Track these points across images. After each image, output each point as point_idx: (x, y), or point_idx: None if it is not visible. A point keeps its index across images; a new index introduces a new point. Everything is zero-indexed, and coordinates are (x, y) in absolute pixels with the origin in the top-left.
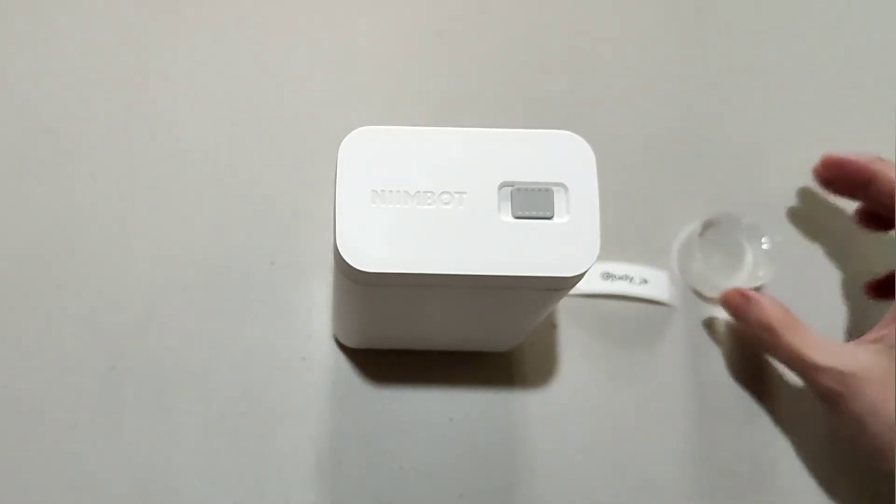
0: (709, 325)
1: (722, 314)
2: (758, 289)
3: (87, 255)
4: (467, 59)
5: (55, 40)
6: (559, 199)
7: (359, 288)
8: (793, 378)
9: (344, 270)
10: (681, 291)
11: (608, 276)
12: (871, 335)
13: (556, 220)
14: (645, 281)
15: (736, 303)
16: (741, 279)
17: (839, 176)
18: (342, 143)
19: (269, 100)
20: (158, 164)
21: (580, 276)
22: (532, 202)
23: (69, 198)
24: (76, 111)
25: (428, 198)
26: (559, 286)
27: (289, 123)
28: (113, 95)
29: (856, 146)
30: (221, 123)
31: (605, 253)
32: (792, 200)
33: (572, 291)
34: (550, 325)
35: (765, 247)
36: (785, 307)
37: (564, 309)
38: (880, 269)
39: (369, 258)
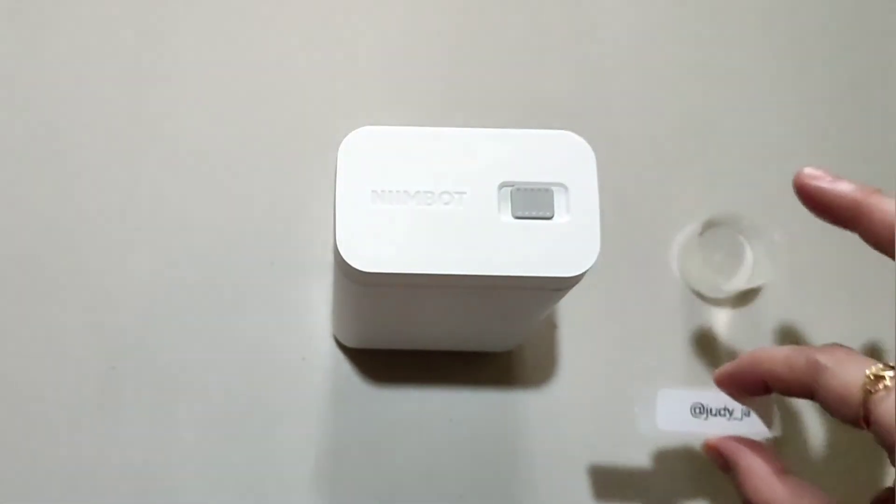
0: (710, 326)
1: (720, 317)
2: (758, 289)
3: (87, 255)
4: (467, 59)
5: (54, 40)
6: (559, 200)
7: (359, 288)
8: None
9: (344, 270)
10: (680, 289)
11: (701, 409)
12: None
13: (556, 220)
14: (748, 413)
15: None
16: (741, 279)
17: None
18: (342, 143)
19: (269, 99)
20: (158, 164)
21: (580, 277)
22: (532, 202)
23: (69, 198)
24: (76, 111)
25: (428, 198)
26: (559, 286)
27: (289, 123)
28: (112, 95)
29: (857, 144)
30: (221, 123)
31: (605, 253)
32: (792, 200)
33: (662, 430)
34: (550, 325)
35: (765, 247)
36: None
37: (564, 309)
38: (880, 273)
39: (369, 258)
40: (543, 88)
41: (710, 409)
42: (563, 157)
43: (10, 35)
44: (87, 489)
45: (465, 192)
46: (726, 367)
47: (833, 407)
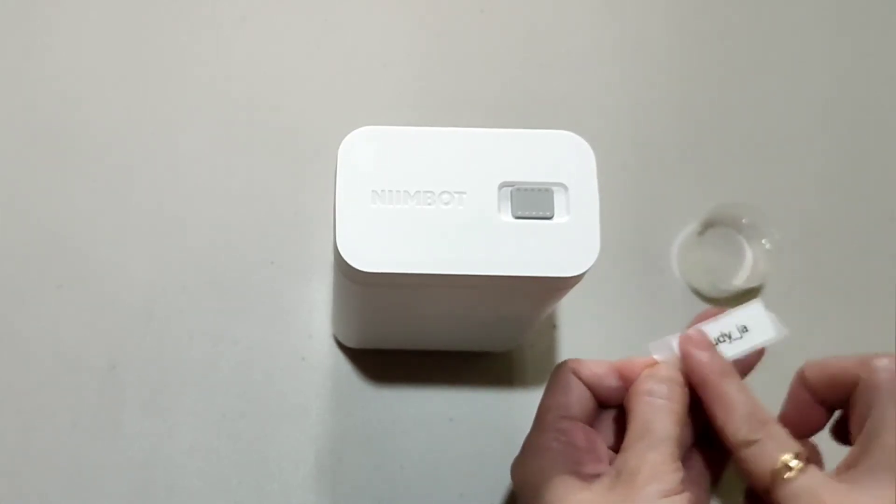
0: None
1: None
2: (758, 289)
3: (87, 255)
4: (467, 59)
5: (55, 42)
6: (559, 200)
7: (359, 288)
8: (793, 375)
9: (344, 270)
10: (680, 289)
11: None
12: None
13: (556, 220)
14: (745, 329)
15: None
16: (741, 279)
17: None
18: (342, 144)
19: (270, 99)
20: (157, 164)
21: (580, 277)
22: (532, 202)
23: (68, 197)
24: (76, 112)
25: (428, 198)
26: (559, 286)
27: (289, 123)
28: (113, 95)
29: (858, 144)
30: (221, 124)
31: (605, 253)
32: (792, 199)
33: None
34: (550, 326)
35: (765, 246)
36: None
37: (564, 309)
38: (880, 272)
39: (369, 258)
40: (543, 88)
41: (715, 339)
42: (563, 157)
43: (11, 35)
44: (88, 489)
45: (465, 192)
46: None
47: (746, 474)
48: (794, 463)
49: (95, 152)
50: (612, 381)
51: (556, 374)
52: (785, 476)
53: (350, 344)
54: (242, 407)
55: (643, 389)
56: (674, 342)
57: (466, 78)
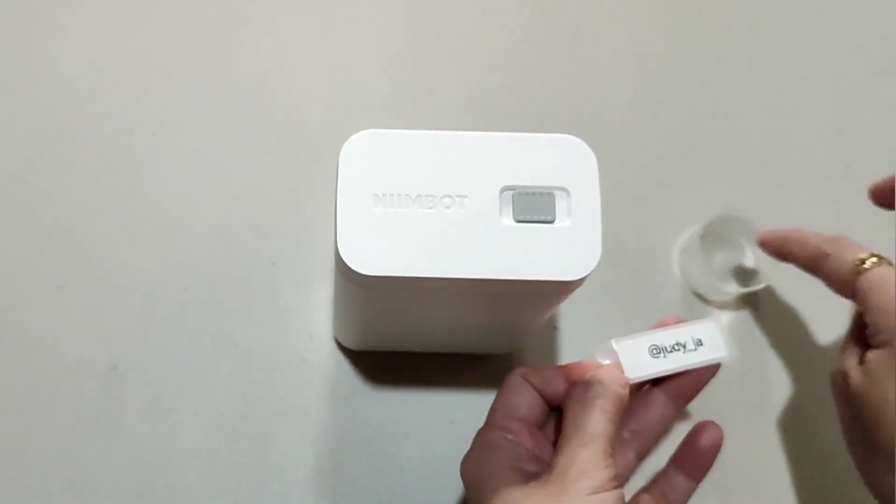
0: None
1: (721, 319)
2: (758, 291)
3: (87, 255)
4: (469, 61)
5: (56, 41)
6: (561, 203)
7: (360, 291)
8: (794, 378)
9: (345, 273)
10: (681, 292)
11: (658, 349)
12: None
13: (557, 223)
14: (700, 342)
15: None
16: (741, 282)
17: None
18: (344, 147)
19: (271, 102)
20: (159, 165)
21: (582, 280)
22: (534, 206)
23: (69, 198)
24: (76, 111)
25: (429, 201)
26: (560, 290)
27: (290, 126)
28: (113, 95)
29: (857, 148)
30: (223, 125)
31: (606, 255)
32: (792, 202)
33: (632, 379)
34: (551, 328)
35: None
36: None
37: (565, 311)
38: None
39: (370, 262)
40: (545, 92)
41: (666, 348)
42: (565, 161)
43: (12, 34)
44: (88, 489)
45: (466, 196)
46: (775, 231)
47: (831, 281)
48: (870, 260)
49: (97, 152)
50: (560, 385)
51: (507, 379)
52: (864, 266)
53: (350, 346)
54: (243, 408)
55: (578, 389)
56: (615, 345)
57: (468, 81)
